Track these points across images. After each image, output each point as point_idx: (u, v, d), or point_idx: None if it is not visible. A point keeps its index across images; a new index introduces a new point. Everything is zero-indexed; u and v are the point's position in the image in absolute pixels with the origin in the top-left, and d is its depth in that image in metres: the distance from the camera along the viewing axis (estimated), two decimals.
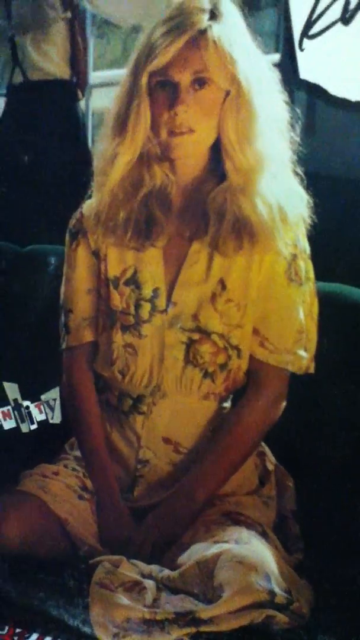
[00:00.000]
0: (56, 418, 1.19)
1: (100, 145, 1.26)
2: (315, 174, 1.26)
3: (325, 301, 1.29)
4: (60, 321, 1.35)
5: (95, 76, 2.88)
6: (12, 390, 1.18)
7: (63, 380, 1.33)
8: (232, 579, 1.04)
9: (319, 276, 1.28)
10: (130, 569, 1.11)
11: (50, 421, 1.19)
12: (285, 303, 1.24)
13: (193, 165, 1.24)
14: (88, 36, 2.81)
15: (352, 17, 1.78)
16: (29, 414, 1.18)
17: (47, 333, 1.42)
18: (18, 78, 2.67)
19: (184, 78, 1.17)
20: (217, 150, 1.22)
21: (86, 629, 1.04)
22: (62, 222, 1.37)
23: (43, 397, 1.19)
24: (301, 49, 1.90)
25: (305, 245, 1.25)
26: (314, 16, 1.83)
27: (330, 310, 1.32)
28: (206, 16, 1.16)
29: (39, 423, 1.18)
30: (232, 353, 1.24)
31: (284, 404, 1.27)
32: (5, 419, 1.17)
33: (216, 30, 1.16)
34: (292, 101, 1.26)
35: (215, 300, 1.23)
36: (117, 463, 1.29)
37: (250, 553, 1.08)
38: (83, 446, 1.31)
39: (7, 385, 1.18)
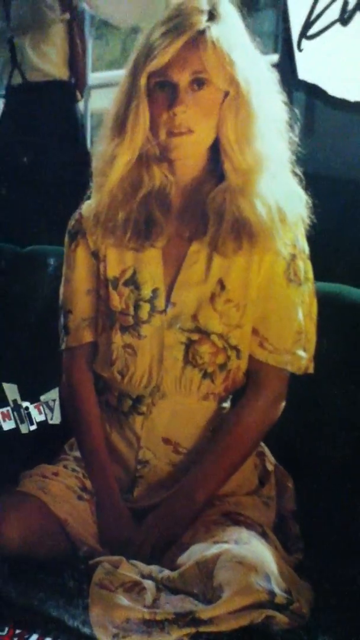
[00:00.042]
0: (55, 419, 1.19)
1: (99, 146, 1.26)
2: (314, 175, 1.26)
3: (325, 301, 1.29)
4: (59, 322, 1.35)
5: (94, 77, 2.88)
6: (11, 391, 1.18)
7: (63, 380, 1.33)
8: (232, 579, 1.04)
9: (318, 276, 1.28)
10: (129, 570, 1.11)
11: (50, 422, 1.19)
12: (285, 303, 1.24)
13: (192, 166, 1.24)
14: (87, 37, 2.81)
15: (350, 17, 1.78)
16: (29, 414, 1.18)
17: (47, 334, 1.42)
18: (17, 79, 2.67)
19: (182, 79, 1.17)
20: (216, 150, 1.22)
21: (86, 630, 1.04)
22: (61, 222, 1.37)
23: (42, 397, 1.19)
24: (300, 50, 1.90)
25: (304, 246, 1.25)
26: (313, 17, 1.83)
27: (330, 311, 1.32)
28: (205, 17, 1.17)
29: (38, 424, 1.18)
30: (232, 353, 1.24)
31: (283, 404, 1.27)
32: (4, 420, 1.17)
33: (215, 31, 1.16)
34: (291, 102, 1.26)
35: (214, 301, 1.23)
36: (117, 463, 1.29)
37: (250, 553, 1.08)
38: (83, 447, 1.31)
39: (6, 386, 1.18)
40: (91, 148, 1.43)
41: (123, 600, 1.05)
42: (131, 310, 1.26)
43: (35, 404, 1.19)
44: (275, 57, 2.10)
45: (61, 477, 1.28)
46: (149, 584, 1.09)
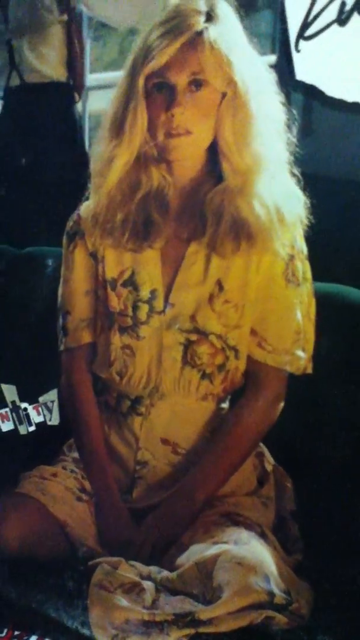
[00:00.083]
0: (54, 420, 1.19)
1: (97, 147, 1.27)
2: (312, 175, 1.26)
3: (324, 302, 1.29)
4: (58, 323, 1.35)
5: (92, 78, 2.89)
6: (10, 392, 1.18)
7: (62, 381, 1.33)
8: (231, 580, 1.04)
9: (317, 277, 1.28)
10: (129, 571, 1.11)
11: (49, 423, 1.19)
12: (283, 304, 1.24)
13: (190, 167, 1.24)
14: (85, 39, 2.81)
15: (348, 18, 1.79)
16: (27, 415, 1.18)
17: (45, 335, 1.42)
18: (15, 80, 2.68)
19: (180, 80, 1.17)
20: (214, 151, 1.22)
21: (85, 631, 1.04)
22: (59, 224, 1.37)
23: (41, 399, 1.19)
24: (297, 50, 1.90)
25: (302, 246, 1.25)
26: (310, 17, 1.83)
27: (329, 311, 1.33)
28: (202, 18, 1.17)
29: (37, 425, 1.18)
30: (230, 354, 1.24)
31: (282, 404, 1.27)
32: (3, 421, 1.17)
33: (213, 32, 1.16)
34: (289, 102, 1.26)
35: (213, 301, 1.23)
36: (116, 464, 1.29)
37: (250, 554, 1.08)
38: (82, 448, 1.31)
39: (4, 387, 1.18)
40: (89, 149, 1.43)
41: (122, 601, 1.05)
42: (130, 311, 1.26)
43: (34, 405, 1.19)
44: (273, 58, 2.10)
45: (60, 478, 1.28)
46: (148, 584, 1.08)
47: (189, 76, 1.17)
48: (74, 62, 2.67)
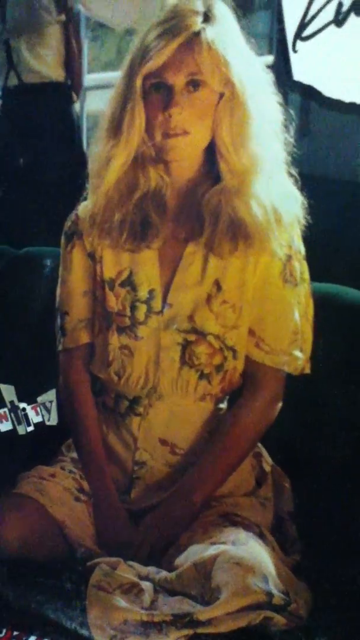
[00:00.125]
0: (52, 420, 1.19)
1: (95, 147, 1.27)
2: (309, 175, 1.27)
3: (322, 302, 1.29)
4: (56, 323, 1.35)
5: (89, 79, 2.88)
6: (8, 392, 1.18)
7: (60, 382, 1.33)
8: (230, 581, 1.04)
9: (315, 277, 1.28)
10: (127, 571, 1.11)
11: (47, 423, 1.19)
12: (281, 304, 1.24)
13: (188, 167, 1.24)
14: (82, 39, 2.81)
15: (345, 18, 1.79)
16: (26, 416, 1.18)
17: (44, 335, 1.42)
18: (13, 81, 2.68)
19: (178, 80, 1.17)
20: (211, 152, 1.22)
21: (84, 632, 1.04)
22: (57, 224, 1.37)
23: (39, 399, 1.19)
24: (294, 51, 1.90)
25: (300, 246, 1.25)
26: (307, 18, 1.83)
27: (327, 311, 1.33)
28: (200, 19, 1.17)
29: (35, 425, 1.18)
30: (228, 354, 1.24)
31: (280, 404, 1.27)
32: (1, 421, 1.17)
33: (210, 33, 1.16)
34: (286, 103, 1.26)
35: (210, 302, 1.24)
36: (114, 465, 1.29)
37: (248, 554, 1.08)
38: (80, 448, 1.31)
39: (3, 387, 1.18)
40: (87, 149, 1.44)
41: (121, 602, 1.05)
42: (128, 312, 1.26)
43: (33, 405, 1.19)
44: (270, 59, 2.10)
45: (58, 479, 1.28)
46: (146, 585, 1.09)
47: (186, 76, 1.17)
48: (71, 62, 2.67)
